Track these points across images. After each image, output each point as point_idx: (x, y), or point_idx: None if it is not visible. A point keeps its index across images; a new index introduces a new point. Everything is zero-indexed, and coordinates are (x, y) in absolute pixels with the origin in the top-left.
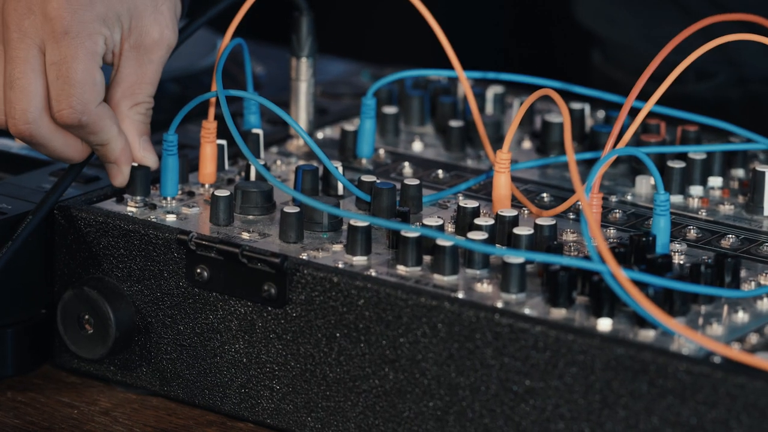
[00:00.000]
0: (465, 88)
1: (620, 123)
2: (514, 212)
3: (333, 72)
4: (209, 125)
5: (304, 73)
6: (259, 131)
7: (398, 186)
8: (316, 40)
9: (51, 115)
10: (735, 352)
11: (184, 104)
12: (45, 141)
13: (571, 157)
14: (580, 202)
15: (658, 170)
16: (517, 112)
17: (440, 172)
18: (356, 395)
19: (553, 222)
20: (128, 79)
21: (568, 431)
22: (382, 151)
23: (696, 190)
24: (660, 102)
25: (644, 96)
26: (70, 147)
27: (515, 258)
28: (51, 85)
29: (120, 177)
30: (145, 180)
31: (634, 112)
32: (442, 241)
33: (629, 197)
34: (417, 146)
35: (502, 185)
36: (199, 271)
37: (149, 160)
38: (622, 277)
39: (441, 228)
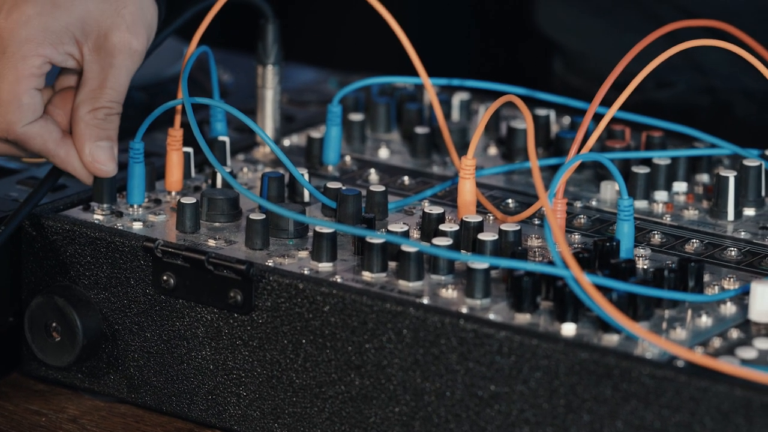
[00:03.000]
0: (430, 94)
1: (584, 129)
2: (479, 218)
3: (300, 79)
4: (175, 133)
5: (270, 80)
6: (226, 139)
7: (364, 192)
8: (282, 47)
9: None
10: (698, 356)
11: (151, 112)
12: None
13: (535, 163)
14: (544, 208)
15: (622, 176)
16: (482, 118)
17: (406, 178)
18: (322, 401)
19: (518, 228)
20: (90, 84)
21: None
22: (348, 158)
23: (661, 195)
24: (624, 108)
25: (608, 103)
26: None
27: (480, 264)
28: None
29: (84, 179)
30: (111, 188)
31: (598, 118)
32: (407, 247)
33: (594, 203)
34: (383, 153)
35: (467, 191)
36: (165, 278)
37: (99, 168)
38: (585, 282)
39: (406, 234)
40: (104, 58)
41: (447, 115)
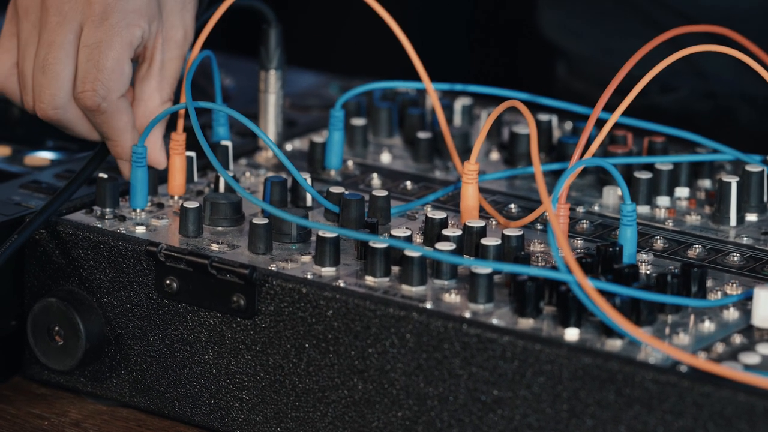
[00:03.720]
0: (433, 99)
1: (587, 134)
2: (481, 223)
3: (302, 84)
4: (178, 137)
5: (272, 85)
6: (228, 143)
7: (367, 197)
8: (284, 52)
9: (75, 97)
10: (701, 361)
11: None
12: (71, 125)
13: (538, 168)
14: (546, 213)
15: (624, 181)
16: (485, 123)
17: (408, 183)
18: (325, 405)
19: (521, 233)
20: (161, 74)
21: None
22: (350, 163)
23: (663, 200)
24: (626, 113)
25: (610, 108)
26: (95, 133)
27: (483, 268)
28: (80, 66)
29: (124, 171)
30: (114, 192)
31: (601, 124)
32: (410, 252)
33: (596, 208)
34: (385, 158)
35: (470, 196)
36: (168, 282)
37: (163, 160)
38: (588, 287)
39: (409, 239)
40: (172, 50)
41: (449, 120)
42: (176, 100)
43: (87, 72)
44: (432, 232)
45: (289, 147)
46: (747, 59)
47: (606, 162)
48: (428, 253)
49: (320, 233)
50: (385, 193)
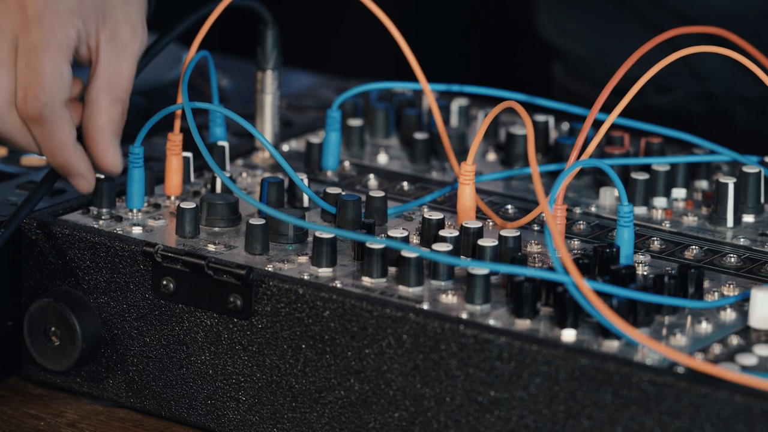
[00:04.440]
0: (430, 100)
1: (584, 135)
2: (478, 224)
3: (298, 85)
4: (175, 138)
5: (269, 85)
6: (225, 144)
7: (363, 198)
8: (281, 52)
9: (17, 107)
10: (698, 362)
11: (150, 117)
12: (11, 137)
13: (535, 169)
14: (543, 214)
15: (621, 182)
16: (482, 124)
17: (405, 184)
18: (322, 406)
19: (518, 233)
20: (107, 74)
21: None
22: (347, 164)
23: (660, 201)
24: (623, 114)
25: (607, 109)
26: (35, 146)
27: (480, 269)
28: (19, 74)
29: (86, 184)
30: (110, 192)
31: (597, 125)
32: (407, 253)
33: (593, 209)
34: (382, 158)
35: (467, 197)
36: (165, 283)
37: (115, 165)
38: (585, 288)
39: (406, 240)
40: (120, 48)
41: (446, 120)
42: (173, 101)
43: (27, 79)
44: (429, 232)
45: (285, 147)
46: (744, 60)
47: (603, 163)
48: (425, 254)
49: (317, 234)
50: (381, 193)
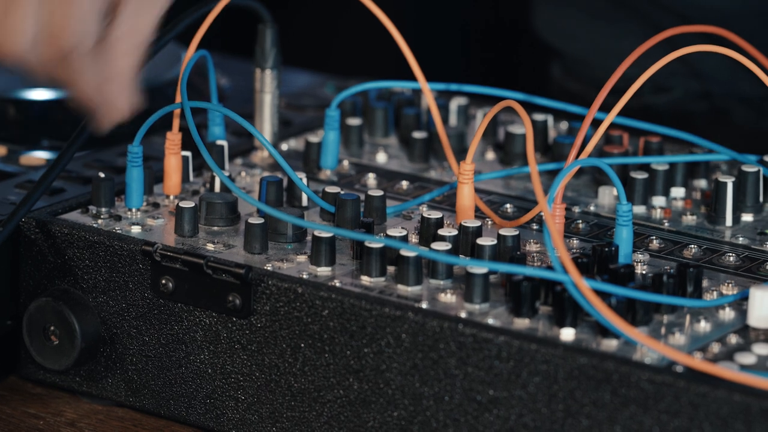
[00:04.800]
0: (428, 99)
1: (583, 134)
2: (477, 223)
3: (297, 84)
4: (174, 137)
5: (268, 84)
6: (224, 143)
7: (362, 197)
8: (280, 51)
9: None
10: (697, 361)
11: (149, 116)
12: (36, 71)
13: (534, 168)
14: (542, 213)
15: (620, 181)
16: (480, 123)
17: (404, 183)
18: (321, 405)
19: (516, 233)
20: (129, 20)
21: None
22: (346, 163)
23: (659, 200)
24: (622, 113)
25: (605, 108)
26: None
27: (478, 268)
28: (50, 13)
29: (105, 121)
30: (109, 191)
31: (596, 124)
32: (406, 252)
33: (592, 208)
34: (381, 157)
35: (466, 196)
36: (164, 282)
37: (124, 110)
38: (584, 287)
39: (405, 239)
40: (144, 2)
41: (445, 120)
42: (172, 100)
43: (60, 16)
44: (428, 231)
45: (284, 147)
46: (743, 59)
47: (602, 162)
48: (424, 253)
49: (316, 233)
50: (380, 192)
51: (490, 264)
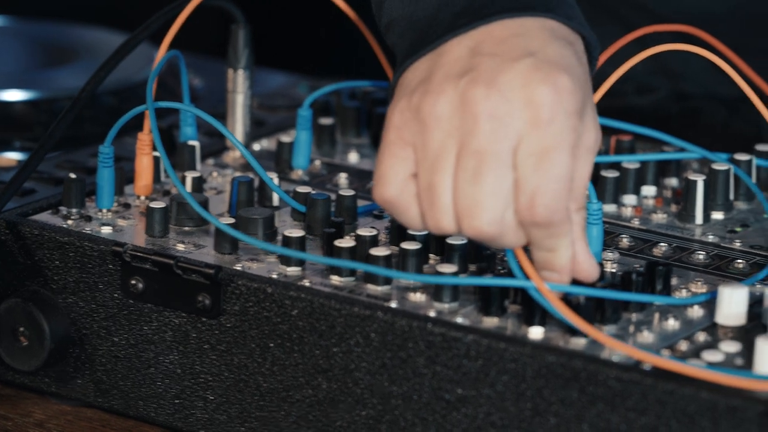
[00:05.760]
0: None
1: None
2: None
3: (271, 84)
4: (144, 137)
5: (240, 84)
6: (195, 143)
7: (333, 197)
8: (253, 52)
9: (517, 211)
10: (663, 359)
11: (121, 117)
12: (503, 239)
13: None
14: None
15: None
16: None
17: None
18: (289, 405)
19: None
20: (571, 179)
21: None
22: (318, 162)
23: (629, 199)
24: (600, 113)
25: None
26: (522, 240)
27: (448, 267)
28: (525, 178)
29: (560, 279)
30: (80, 192)
31: None
32: (376, 251)
33: None
34: (353, 157)
35: None
36: (133, 282)
37: (594, 273)
38: (547, 292)
39: (375, 239)
40: (584, 153)
41: None
42: (144, 100)
43: (537, 184)
44: (398, 231)
45: (257, 147)
46: (715, 58)
47: None
48: (392, 254)
49: (286, 233)
50: (351, 192)
51: (451, 279)
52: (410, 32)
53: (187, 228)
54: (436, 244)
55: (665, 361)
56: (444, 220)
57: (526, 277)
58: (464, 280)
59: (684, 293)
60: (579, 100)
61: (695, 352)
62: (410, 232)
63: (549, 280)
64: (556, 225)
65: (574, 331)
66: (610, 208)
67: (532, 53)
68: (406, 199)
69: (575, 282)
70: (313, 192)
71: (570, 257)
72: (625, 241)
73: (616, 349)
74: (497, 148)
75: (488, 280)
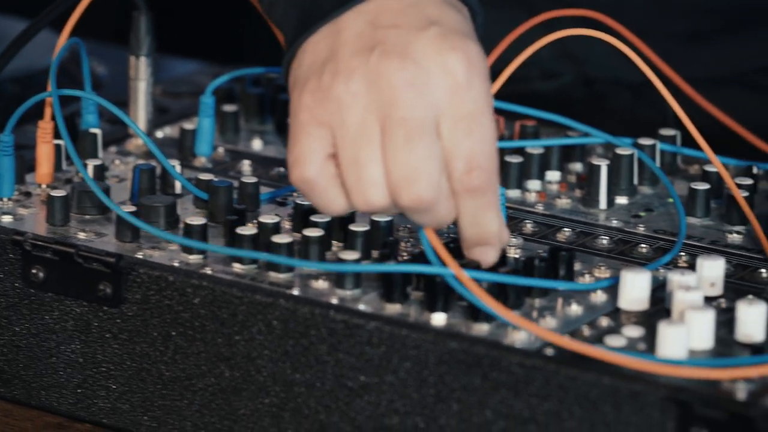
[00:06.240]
0: None
1: None
2: None
3: (176, 71)
4: (45, 125)
5: (143, 72)
6: (97, 131)
7: (236, 184)
8: (155, 39)
9: (454, 180)
10: (566, 344)
11: (22, 104)
12: (436, 211)
13: None
14: None
15: None
16: None
17: (280, 169)
18: (192, 393)
19: (390, 218)
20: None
21: (403, 426)
22: (221, 150)
23: (533, 184)
24: (504, 99)
25: None
26: (452, 213)
27: (350, 254)
28: (455, 145)
29: (494, 254)
30: None
31: None
32: (278, 238)
33: None
34: (256, 144)
35: None
36: (34, 271)
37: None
38: (464, 277)
39: (277, 226)
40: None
41: None
42: (45, 87)
43: (469, 149)
44: (301, 218)
45: (160, 134)
46: (618, 44)
47: None
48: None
49: (188, 221)
50: (254, 179)
51: (359, 267)
52: (295, 9)
53: (88, 216)
54: (338, 230)
55: (569, 346)
56: (373, 194)
57: (443, 263)
58: (378, 267)
59: (587, 278)
60: (486, 65)
61: (598, 338)
62: (313, 218)
63: (482, 257)
64: (491, 192)
65: (476, 317)
66: (514, 193)
67: (434, 22)
68: (325, 179)
69: (478, 268)
70: (216, 179)
71: (499, 227)
72: (529, 227)
73: (526, 329)
74: (422, 115)
75: (406, 267)
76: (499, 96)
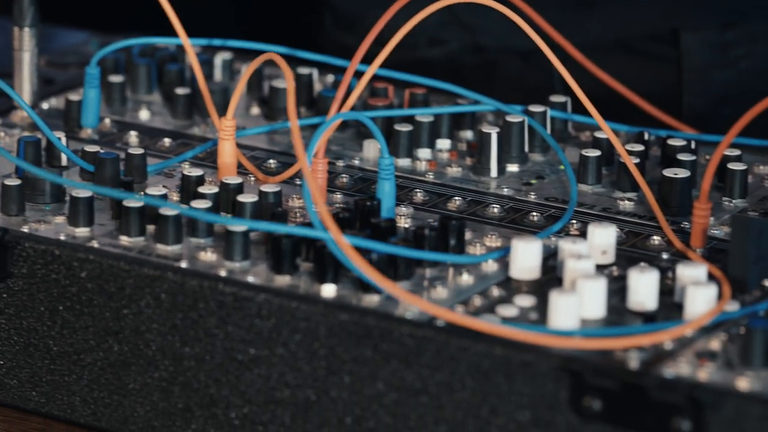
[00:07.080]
0: (189, 54)
1: (344, 87)
2: (238, 180)
3: (63, 42)
4: None
5: (27, 43)
6: None
7: (123, 155)
8: (39, 9)
9: None
10: (456, 315)
11: None
12: None
13: (294, 122)
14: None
15: (383, 134)
16: (241, 77)
17: (167, 140)
18: (81, 368)
19: (278, 189)
20: None
21: (294, 398)
22: (108, 121)
23: (424, 153)
24: (392, 67)
25: (372, 61)
26: None
27: (238, 226)
28: None
29: None
30: None
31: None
32: (166, 210)
33: (357, 162)
34: (144, 115)
35: (227, 153)
36: None
37: None
38: (344, 245)
39: (164, 197)
40: None
41: (209, 75)
42: None
43: None
44: (189, 189)
45: (45, 106)
46: (507, 11)
47: (362, 115)
48: (183, 210)
49: (73, 193)
50: (141, 151)
51: (249, 222)
52: None
53: None
54: (226, 202)
55: (459, 317)
56: None
57: (325, 228)
58: (266, 226)
59: (478, 247)
60: None
61: (490, 307)
62: (200, 190)
63: None
64: None
65: (367, 289)
66: (404, 162)
67: None
68: None
69: (372, 237)
70: (102, 151)
71: None
72: (419, 196)
73: (410, 303)
74: None
75: (288, 228)
76: (387, 64)
